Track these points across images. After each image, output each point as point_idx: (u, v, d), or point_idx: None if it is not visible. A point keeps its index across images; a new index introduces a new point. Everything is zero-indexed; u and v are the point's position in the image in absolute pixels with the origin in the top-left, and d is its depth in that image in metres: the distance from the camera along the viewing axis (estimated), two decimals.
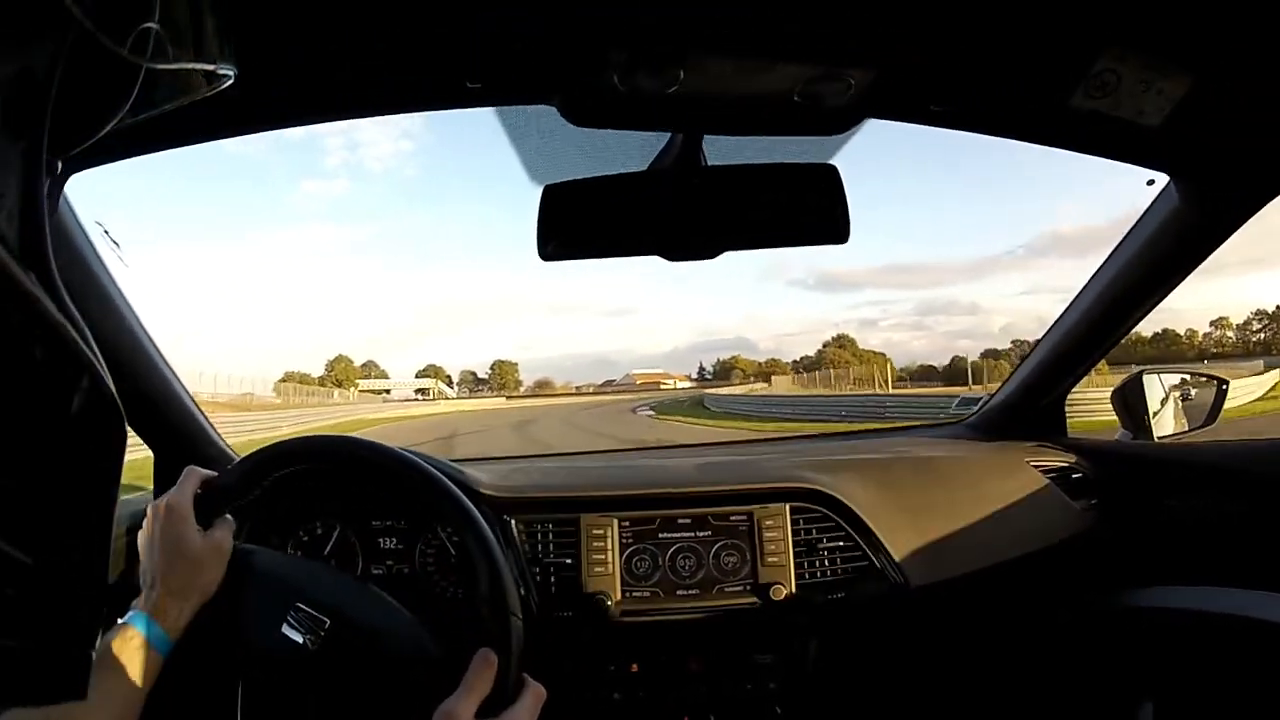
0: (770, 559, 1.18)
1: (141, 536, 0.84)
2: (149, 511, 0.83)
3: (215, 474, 0.88)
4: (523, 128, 0.93)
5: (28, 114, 0.34)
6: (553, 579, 1.17)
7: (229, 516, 0.86)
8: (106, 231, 1.10)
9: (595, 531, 1.19)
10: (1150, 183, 1.16)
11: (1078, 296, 1.38)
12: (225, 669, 0.92)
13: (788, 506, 1.21)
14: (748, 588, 1.18)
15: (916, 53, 0.85)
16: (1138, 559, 1.34)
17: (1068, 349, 1.44)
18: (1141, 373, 1.47)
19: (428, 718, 0.70)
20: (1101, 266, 1.33)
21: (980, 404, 1.65)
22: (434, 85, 0.86)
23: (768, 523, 1.20)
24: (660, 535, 1.20)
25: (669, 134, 0.93)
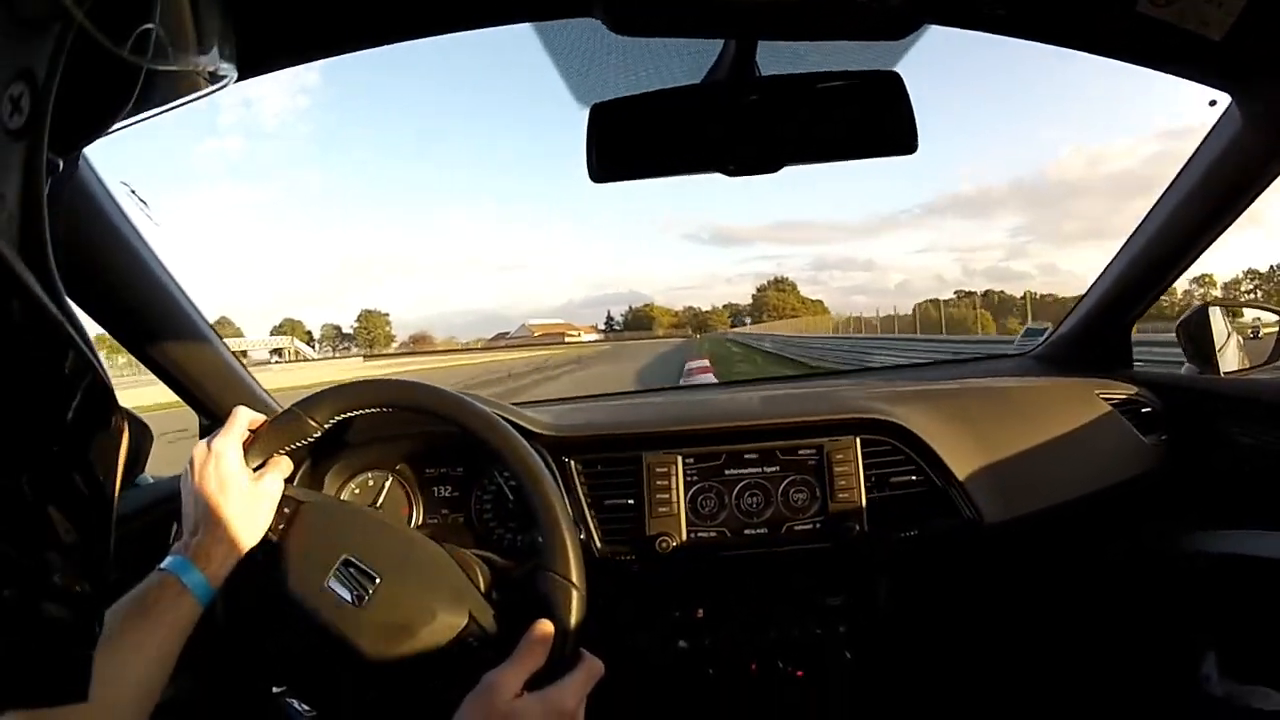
0: (841, 495, 1.12)
1: (185, 480, 0.80)
2: (193, 454, 0.80)
3: (264, 416, 0.84)
4: (563, 44, 0.88)
5: (28, 114, 0.34)
6: (614, 520, 1.12)
7: (283, 457, 0.83)
8: (133, 191, 1.08)
9: (658, 469, 1.14)
10: (1212, 103, 1.10)
11: (1140, 225, 1.31)
12: (265, 618, 0.89)
13: (858, 440, 1.15)
14: (817, 526, 1.13)
15: None
16: (1206, 498, 1.29)
17: (1132, 278, 1.38)
18: (1206, 305, 1.40)
19: (473, 686, 0.67)
20: (1164, 194, 1.27)
21: (1045, 335, 1.59)
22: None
23: (838, 456, 1.14)
24: (726, 472, 1.15)
25: (719, 45, 0.88)
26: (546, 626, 0.73)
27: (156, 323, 1.12)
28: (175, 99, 0.47)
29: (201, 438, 1.32)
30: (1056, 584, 1.30)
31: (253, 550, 0.78)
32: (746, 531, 1.13)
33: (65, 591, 0.37)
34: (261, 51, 0.86)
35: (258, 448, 0.81)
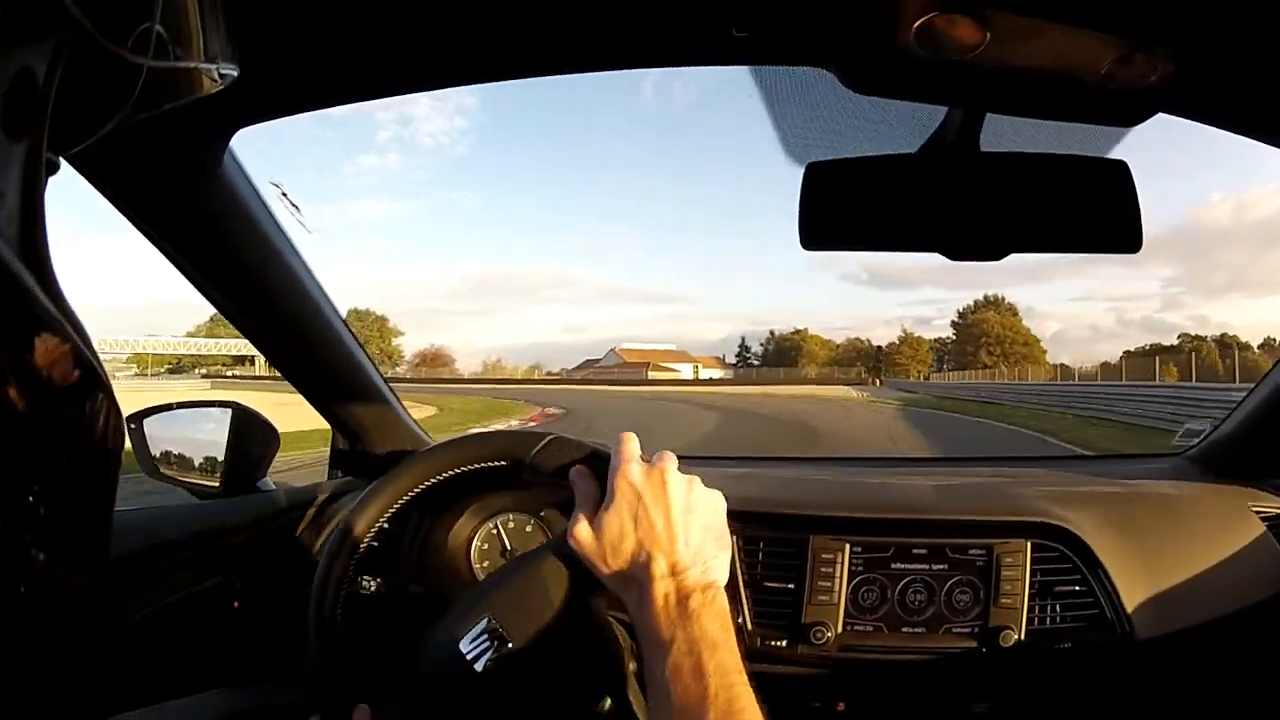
0: (1004, 600, 1.07)
1: None
2: None
3: None
4: (785, 93, 0.86)
5: (28, 114, 0.34)
6: (770, 602, 1.08)
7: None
8: (285, 194, 1.05)
9: (824, 555, 1.09)
10: None
11: None
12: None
13: (1029, 544, 1.09)
14: (976, 630, 1.07)
15: (1225, 44, 0.76)
16: None
17: None
18: None
19: None
20: None
21: (1204, 435, 1.52)
22: (692, 31, 0.77)
23: (1007, 560, 1.08)
24: (893, 565, 1.09)
25: (940, 114, 0.85)
26: (581, 468, 0.71)
27: (300, 329, 1.12)
28: (176, 98, 0.47)
29: (331, 458, 1.33)
30: (1205, 705, 1.23)
31: None
32: (905, 629, 1.08)
33: (63, 591, 0.38)
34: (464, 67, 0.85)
35: None
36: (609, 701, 0.74)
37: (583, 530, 0.66)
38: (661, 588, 0.61)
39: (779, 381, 56.85)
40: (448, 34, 0.76)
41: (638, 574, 0.63)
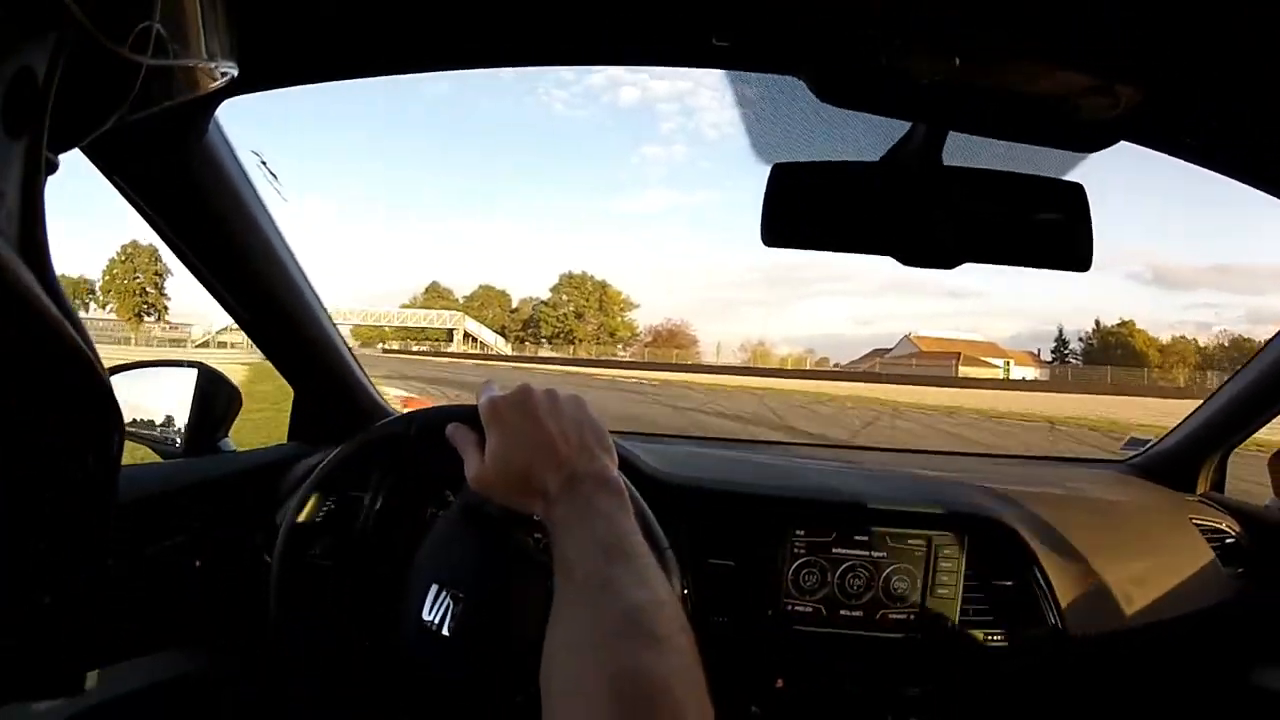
0: (940, 590, 1.12)
1: None
2: None
3: None
4: (755, 95, 0.87)
5: (28, 113, 0.34)
6: (712, 580, 1.11)
7: None
8: (264, 162, 1.07)
9: (769, 538, 1.13)
10: None
11: (1260, 352, 1.29)
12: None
13: (966, 538, 1.14)
14: (912, 617, 1.12)
15: (1192, 80, 0.78)
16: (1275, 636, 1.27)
17: (1244, 404, 1.36)
18: None
19: None
20: None
21: (1147, 446, 1.58)
22: (675, 37, 0.79)
23: (945, 551, 1.13)
24: (834, 550, 1.14)
25: (905, 125, 0.87)
26: (454, 425, 0.73)
27: (272, 295, 1.13)
28: (175, 96, 0.47)
29: (292, 424, 1.34)
30: (1131, 707, 1.29)
31: None
32: (842, 612, 1.13)
33: (59, 583, 0.38)
34: (450, 52, 0.85)
35: None
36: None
37: (475, 471, 0.68)
38: (554, 482, 0.63)
39: (1116, 390, 36.91)
40: (439, 18, 0.77)
41: (536, 485, 0.64)
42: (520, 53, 0.83)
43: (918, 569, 1.14)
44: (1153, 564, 1.23)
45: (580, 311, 77.33)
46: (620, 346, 75.25)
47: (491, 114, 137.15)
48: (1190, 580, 1.25)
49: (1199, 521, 1.31)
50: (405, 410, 1.09)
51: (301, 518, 0.99)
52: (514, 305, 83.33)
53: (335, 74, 0.87)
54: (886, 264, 0.94)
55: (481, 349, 71.91)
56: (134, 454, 1.24)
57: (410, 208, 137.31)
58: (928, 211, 0.84)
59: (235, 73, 0.53)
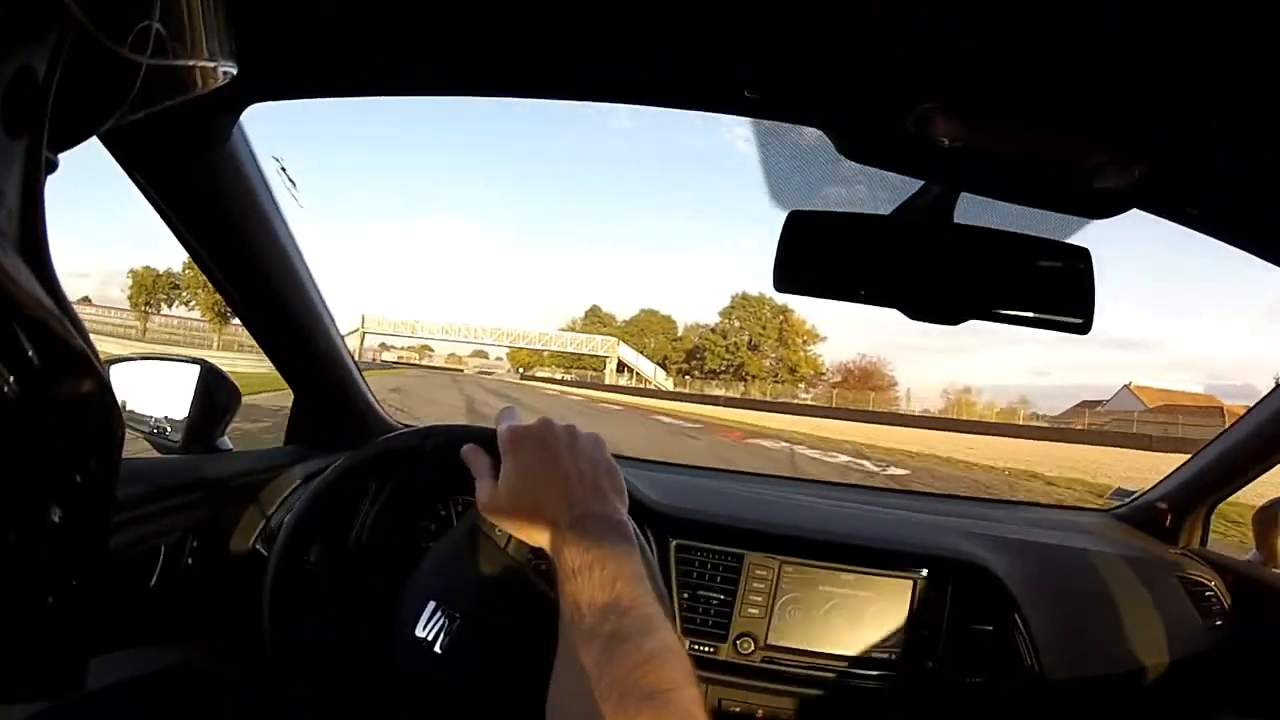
0: (922, 631, 1.14)
1: None
2: None
3: None
4: (777, 144, 0.88)
5: (28, 112, 0.34)
6: (699, 610, 1.14)
7: None
8: (284, 168, 1.08)
9: (758, 571, 1.15)
10: None
11: (1250, 412, 1.32)
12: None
13: (950, 583, 1.17)
14: (893, 656, 1.14)
15: (1204, 152, 0.80)
16: (1247, 688, 1.30)
17: (1231, 461, 1.39)
18: None
19: None
20: (1276, 389, 1.28)
21: (1133, 497, 1.60)
22: (710, 86, 0.81)
23: (928, 594, 1.16)
24: (821, 587, 1.16)
25: (921, 181, 0.88)
26: (469, 446, 0.74)
27: (280, 299, 1.14)
28: (175, 96, 0.47)
29: (290, 428, 1.34)
30: None
31: None
32: (826, 649, 1.14)
33: (58, 584, 0.38)
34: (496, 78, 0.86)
35: None
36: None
37: (486, 497, 0.69)
38: (564, 519, 0.64)
39: None
40: (478, 44, 0.78)
41: (545, 519, 0.65)
42: (564, 85, 0.85)
43: (902, 609, 1.15)
44: (1133, 614, 1.25)
45: (756, 342, 64.71)
46: (802, 386, 62.46)
47: (680, 147, 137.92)
48: (1169, 632, 1.27)
49: (1181, 575, 1.33)
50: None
51: (300, 521, 0.99)
52: (679, 333, 72.42)
53: (347, 89, 0.87)
54: None
55: (638, 381, 63.75)
56: (130, 446, 1.25)
57: (581, 234, 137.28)
58: (936, 267, 0.86)
59: (235, 72, 0.53)
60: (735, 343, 65.34)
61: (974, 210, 0.89)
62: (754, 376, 63.35)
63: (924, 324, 0.88)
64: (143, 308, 61.19)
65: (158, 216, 0.97)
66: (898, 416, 42.24)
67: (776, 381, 62.47)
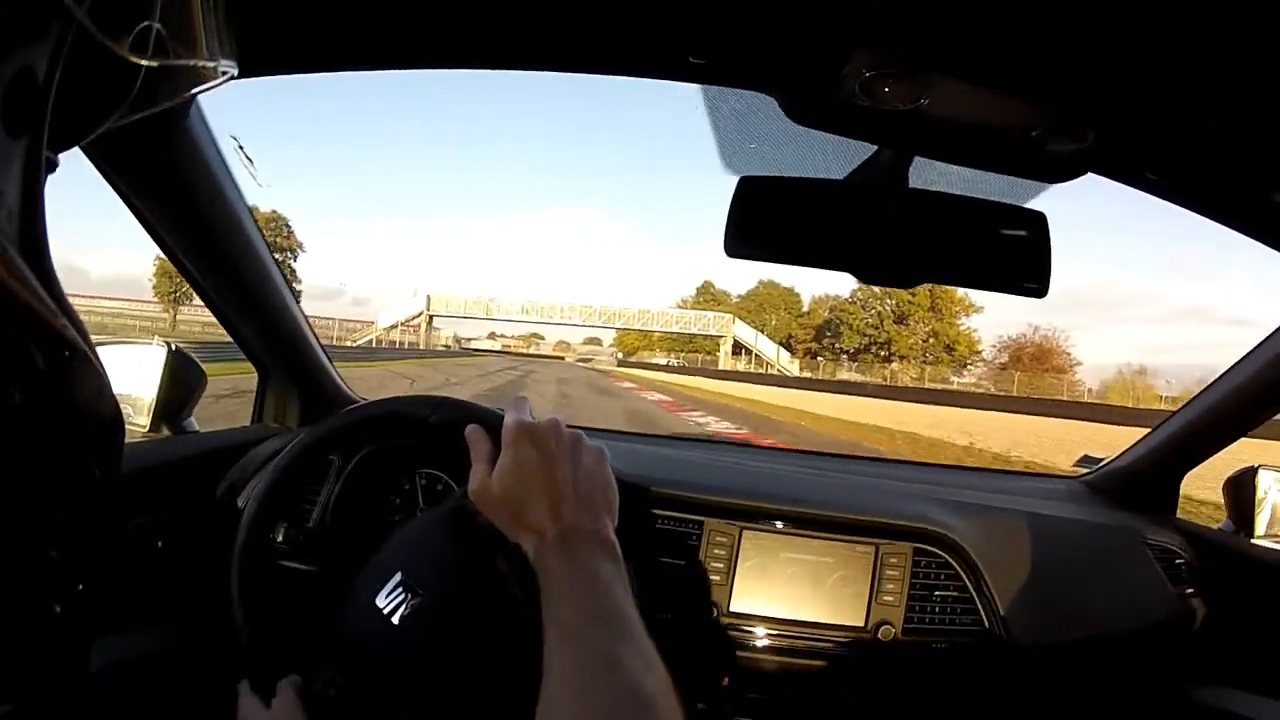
0: (885, 598, 1.15)
1: None
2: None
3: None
4: (726, 111, 0.87)
5: (28, 112, 0.34)
6: (661, 577, 1.13)
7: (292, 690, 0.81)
8: (241, 147, 1.07)
9: (719, 539, 1.15)
10: None
11: (1221, 378, 1.32)
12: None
13: (912, 548, 1.17)
14: (856, 623, 1.15)
15: (1156, 117, 0.80)
16: (1222, 656, 1.31)
17: (1200, 430, 1.39)
18: (1258, 468, 1.41)
19: None
20: (1250, 353, 1.28)
21: (1101, 465, 1.60)
22: (655, 53, 0.80)
23: (891, 560, 1.16)
24: (782, 554, 1.16)
25: (873, 146, 0.87)
26: (473, 427, 0.73)
27: (242, 279, 1.13)
28: (175, 95, 0.47)
29: (256, 407, 1.34)
30: (1072, 716, 1.33)
31: None
32: (788, 616, 1.15)
33: (61, 584, 0.38)
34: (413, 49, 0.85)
35: None
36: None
37: (480, 485, 0.69)
38: (551, 528, 0.64)
39: None
40: (426, 17, 0.77)
41: (532, 522, 0.65)
42: (502, 55, 0.84)
43: (864, 575, 1.16)
44: (1100, 581, 1.26)
45: (903, 313, 52.05)
46: (957, 368, 49.46)
47: None
48: (1137, 598, 1.28)
49: (1149, 542, 1.34)
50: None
51: (263, 501, 0.97)
52: (804, 308, 61.41)
53: (326, 65, 0.87)
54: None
55: (757, 365, 52.53)
56: None
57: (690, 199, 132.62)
58: (889, 231, 0.85)
59: (235, 72, 0.53)
60: (878, 313, 52.57)
61: (930, 174, 0.89)
62: (902, 356, 50.96)
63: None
64: (169, 300, 50.43)
65: (122, 202, 0.96)
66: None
67: (926, 362, 49.80)
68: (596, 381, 29.93)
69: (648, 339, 66.12)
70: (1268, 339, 1.23)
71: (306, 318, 1.27)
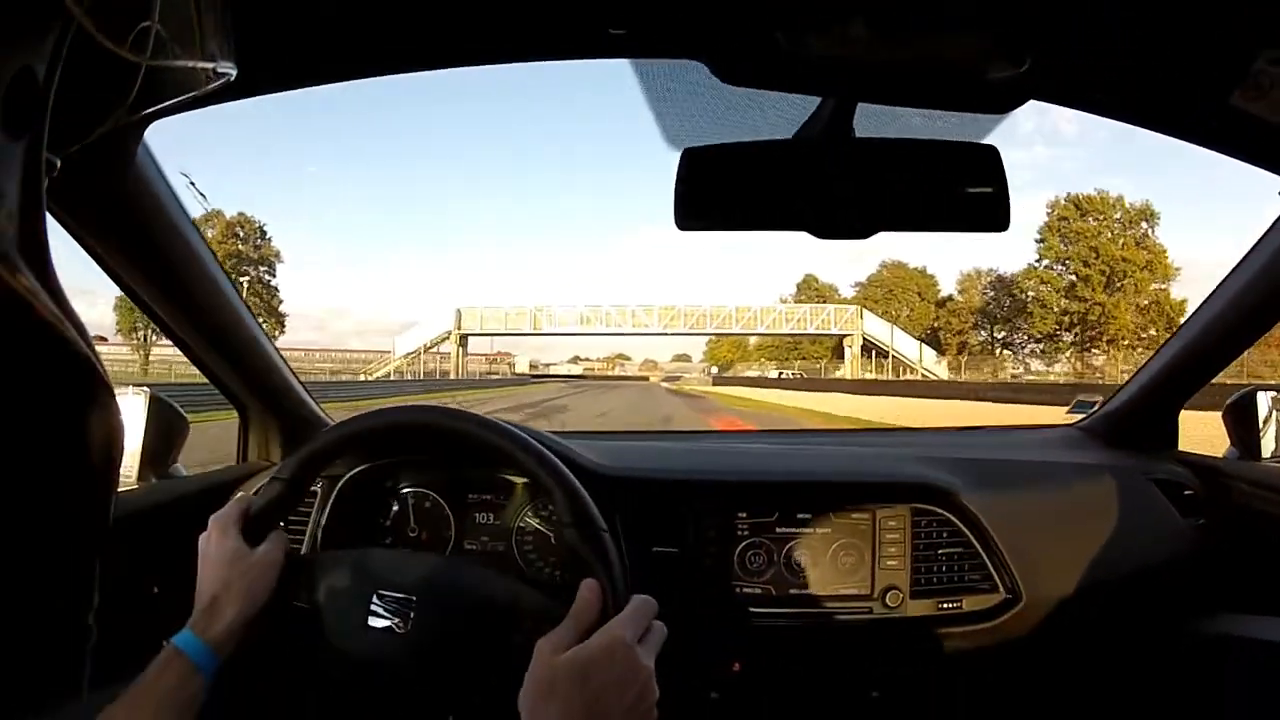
0: (889, 562, 1.13)
1: (200, 550, 0.82)
2: (209, 524, 0.82)
3: (256, 495, 0.84)
4: (661, 85, 0.86)
5: (28, 113, 0.34)
6: (658, 567, 1.11)
7: (280, 529, 0.83)
8: (192, 183, 1.09)
9: (709, 521, 1.13)
10: None
11: (1202, 306, 1.30)
12: (297, 682, 0.92)
13: (909, 509, 1.15)
14: (862, 591, 1.13)
15: (1092, 37, 0.79)
16: (1241, 584, 1.29)
17: (1188, 361, 1.37)
18: (1255, 389, 1.39)
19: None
20: (1226, 278, 1.26)
21: (1096, 407, 1.58)
22: (572, 29, 0.80)
23: (890, 523, 1.14)
24: (778, 530, 1.14)
25: (814, 101, 0.87)
26: (593, 582, 0.72)
27: (208, 317, 1.13)
28: (173, 96, 0.47)
29: (240, 443, 1.34)
30: (1091, 664, 1.30)
31: (261, 619, 0.78)
32: (792, 590, 1.13)
33: (56, 598, 0.38)
34: (330, 63, 0.85)
35: (256, 522, 0.82)
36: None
37: (556, 645, 0.66)
38: None
39: None
40: (322, 27, 0.77)
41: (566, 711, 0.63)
42: (410, 57, 0.84)
43: (864, 542, 1.14)
44: (1109, 522, 1.23)
45: (1114, 274, 35.59)
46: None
47: None
48: (1150, 535, 1.26)
49: (1154, 477, 1.31)
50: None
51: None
52: (942, 294, 48.40)
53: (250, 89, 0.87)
54: None
55: (901, 373, 40.34)
56: None
57: None
58: (839, 184, 0.84)
59: (234, 73, 0.54)
60: (1088, 277, 35.92)
61: (877, 122, 0.88)
62: (1115, 339, 35.72)
63: None
64: (131, 336, 43.29)
65: (79, 246, 0.96)
66: None
67: (1130, 346, 34.72)
68: (670, 411, 20.67)
69: (742, 349, 58.16)
70: (1246, 257, 1.22)
71: (278, 350, 1.26)
